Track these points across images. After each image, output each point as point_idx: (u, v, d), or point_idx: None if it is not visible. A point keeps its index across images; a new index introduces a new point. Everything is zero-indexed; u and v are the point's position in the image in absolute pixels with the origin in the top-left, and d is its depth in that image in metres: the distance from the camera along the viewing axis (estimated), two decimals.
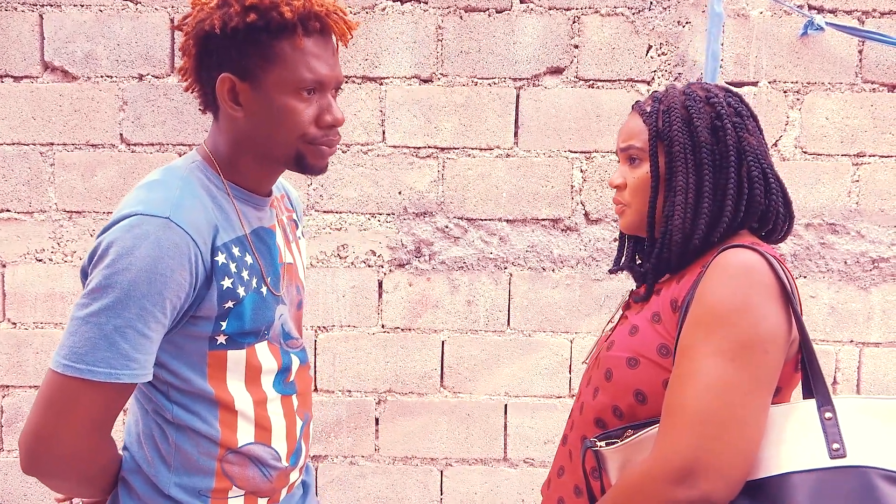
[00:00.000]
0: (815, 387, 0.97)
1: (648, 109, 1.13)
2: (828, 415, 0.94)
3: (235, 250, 1.08)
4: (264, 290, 1.12)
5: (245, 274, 1.09)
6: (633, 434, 1.02)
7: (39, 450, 1.00)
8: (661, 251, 1.11)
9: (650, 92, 2.18)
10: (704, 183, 1.07)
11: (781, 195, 1.11)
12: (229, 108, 1.07)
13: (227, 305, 1.06)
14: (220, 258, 1.05)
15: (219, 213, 1.08)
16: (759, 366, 0.94)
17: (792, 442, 0.94)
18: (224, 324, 1.07)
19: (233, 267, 1.07)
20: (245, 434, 1.11)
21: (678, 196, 1.07)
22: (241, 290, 1.07)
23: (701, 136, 1.07)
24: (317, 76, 1.06)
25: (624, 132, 1.16)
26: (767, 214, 1.10)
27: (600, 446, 1.05)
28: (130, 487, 1.11)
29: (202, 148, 1.15)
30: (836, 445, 0.92)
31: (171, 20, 2.17)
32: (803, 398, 0.99)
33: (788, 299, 0.98)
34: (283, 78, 1.05)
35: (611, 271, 1.26)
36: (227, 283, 1.05)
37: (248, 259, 1.10)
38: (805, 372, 1.00)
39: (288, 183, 1.42)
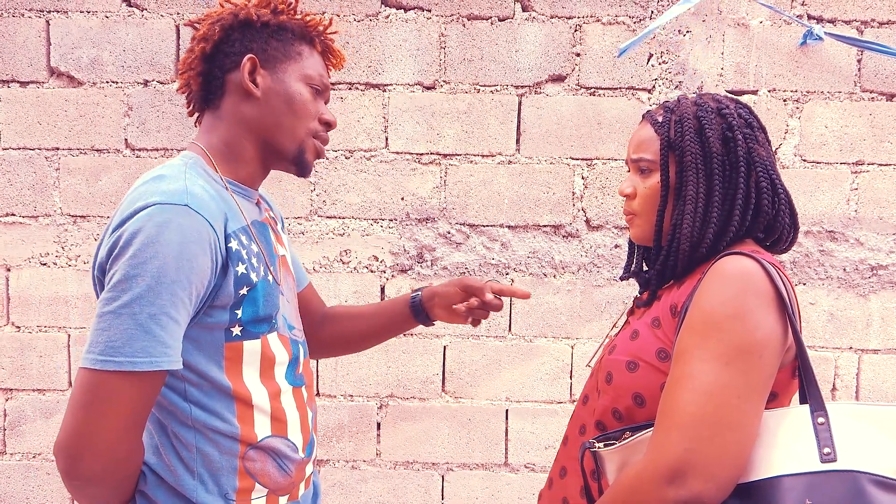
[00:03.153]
0: (809, 392, 0.99)
1: (660, 119, 1.14)
2: (820, 420, 0.96)
3: (243, 238, 1.11)
4: (270, 278, 1.15)
5: (254, 261, 1.12)
6: (631, 436, 1.04)
7: (81, 452, 0.98)
8: (666, 259, 1.12)
9: (650, 100, 2.20)
10: (714, 193, 1.08)
11: (788, 206, 1.12)
12: (249, 86, 1.14)
13: (242, 292, 1.08)
14: (234, 244, 1.07)
15: (223, 203, 1.11)
16: (753, 371, 0.96)
17: (784, 446, 0.95)
18: (239, 312, 1.08)
19: (244, 253, 1.09)
20: (263, 428, 1.13)
21: (688, 205, 1.09)
22: (253, 276, 1.10)
23: (713, 146, 1.09)
24: (324, 80, 1.21)
25: (634, 142, 1.17)
26: (774, 225, 1.12)
27: (598, 448, 1.07)
28: (154, 503, 1.10)
29: (194, 146, 1.18)
30: (826, 450, 0.93)
31: (177, 26, 2.19)
32: (800, 404, 1.00)
33: (784, 306, 0.99)
34: (300, 71, 1.18)
35: (622, 278, 1.27)
36: (241, 268, 1.08)
37: (254, 247, 1.13)
38: (801, 378, 1.02)
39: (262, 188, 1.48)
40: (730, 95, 1.18)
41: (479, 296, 1.36)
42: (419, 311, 1.43)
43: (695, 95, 1.16)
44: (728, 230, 1.09)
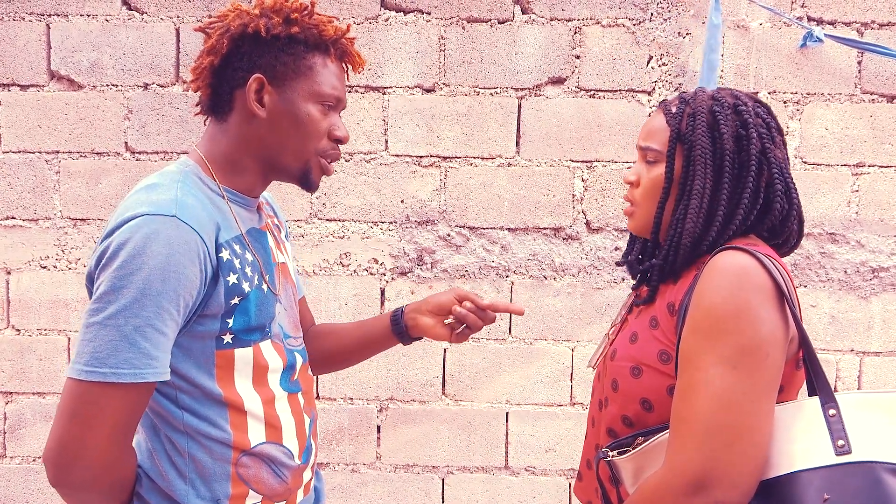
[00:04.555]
0: (818, 385, 0.98)
1: (674, 110, 1.11)
2: (831, 412, 0.95)
3: (236, 247, 1.10)
4: (265, 287, 1.14)
5: (248, 270, 1.11)
6: (644, 442, 1.03)
7: (68, 461, 0.99)
8: (667, 254, 1.10)
9: (650, 102, 2.19)
10: (722, 190, 1.06)
11: (798, 210, 1.11)
12: (255, 107, 1.11)
13: (233, 302, 1.07)
14: (225, 254, 1.07)
15: (217, 212, 1.10)
16: (762, 370, 0.95)
17: (800, 440, 0.95)
18: (230, 321, 1.08)
19: (236, 263, 1.09)
20: (256, 434, 1.12)
21: (693, 200, 1.07)
22: (245, 286, 1.09)
23: (725, 143, 1.06)
24: (338, 94, 1.16)
25: (645, 130, 1.15)
26: (782, 228, 1.10)
27: (612, 456, 1.06)
28: None
29: (194, 153, 1.17)
30: (840, 442, 0.93)
31: (177, 29, 2.19)
32: (808, 395, 1.00)
33: (784, 299, 0.98)
34: (311, 89, 1.13)
35: (618, 264, 1.26)
36: (232, 278, 1.07)
37: (248, 256, 1.13)
38: (808, 370, 1.01)
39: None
40: (749, 93, 1.15)
41: (475, 300, 1.31)
42: (399, 328, 1.36)
43: (713, 90, 1.13)
44: (729, 229, 1.07)
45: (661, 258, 1.11)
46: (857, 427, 0.94)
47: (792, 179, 1.09)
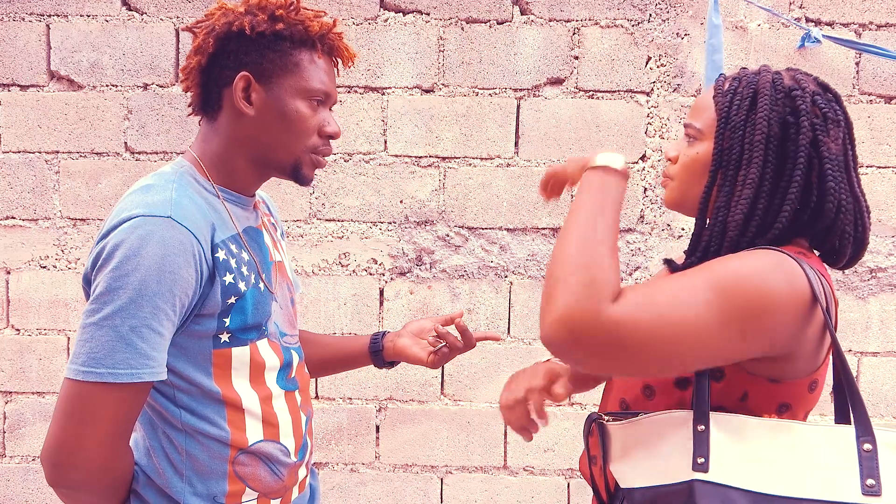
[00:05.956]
0: (856, 415, 0.89)
1: (725, 87, 1.04)
2: (867, 446, 0.86)
3: (232, 247, 1.11)
4: (262, 285, 1.14)
5: (244, 269, 1.11)
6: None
7: (65, 461, 1.00)
8: (708, 245, 1.01)
9: (648, 102, 2.20)
10: (764, 181, 0.98)
11: (856, 215, 1.02)
12: (242, 105, 1.11)
13: (230, 301, 1.08)
14: (221, 254, 1.07)
15: (212, 212, 1.11)
16: (750, 339, 0.86)
17: (824, 468, 0.86)
18: (227, 320, 1.08)
19: (232, 263, 1.09)
20: (254, 432, 1.13)
21: (737, 189, 0.99)
22: (241, 285, 1.10)
23: (771, 129, 0.98)
24: (326, 88, 1.15)
25: (694, 106, 1.08)
26: (833, 231, 1.01)
27: (606, 420, 1.00)
28: (145, 502, 1.11)
29: (188, 153, 1.17)
30: (870, 481, 0.84)
31: (176, 30, 2.20)
32: (835, 422, 0.93)
33: (817, 310, 0.89)
34: (298, 85, 1.12)
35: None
36: (228, 278, 1.07)
37: (245, 255, 1.13)
38: (842, 396, 0.94)
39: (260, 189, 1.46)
40: (818, 78, 1.05)
41: (454, 321, 1.39)
42: (376, 347, 1.43)
43: (777, 70, 1.04)
44: (775, 226, 0.97)
45: (700, 251, 1.03)
46: (892, 469, 0.85)
47: (852, 178, 0.99)
